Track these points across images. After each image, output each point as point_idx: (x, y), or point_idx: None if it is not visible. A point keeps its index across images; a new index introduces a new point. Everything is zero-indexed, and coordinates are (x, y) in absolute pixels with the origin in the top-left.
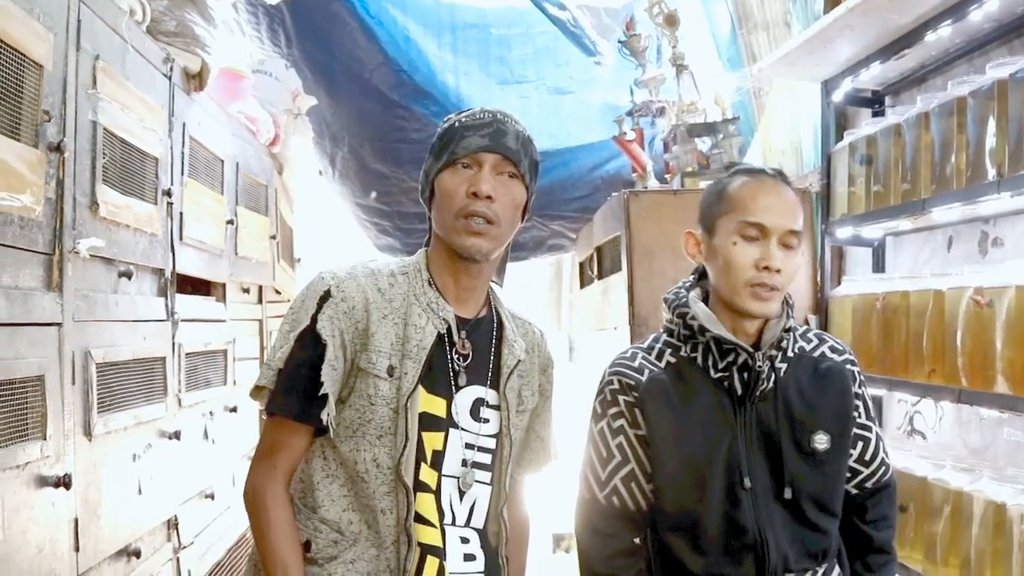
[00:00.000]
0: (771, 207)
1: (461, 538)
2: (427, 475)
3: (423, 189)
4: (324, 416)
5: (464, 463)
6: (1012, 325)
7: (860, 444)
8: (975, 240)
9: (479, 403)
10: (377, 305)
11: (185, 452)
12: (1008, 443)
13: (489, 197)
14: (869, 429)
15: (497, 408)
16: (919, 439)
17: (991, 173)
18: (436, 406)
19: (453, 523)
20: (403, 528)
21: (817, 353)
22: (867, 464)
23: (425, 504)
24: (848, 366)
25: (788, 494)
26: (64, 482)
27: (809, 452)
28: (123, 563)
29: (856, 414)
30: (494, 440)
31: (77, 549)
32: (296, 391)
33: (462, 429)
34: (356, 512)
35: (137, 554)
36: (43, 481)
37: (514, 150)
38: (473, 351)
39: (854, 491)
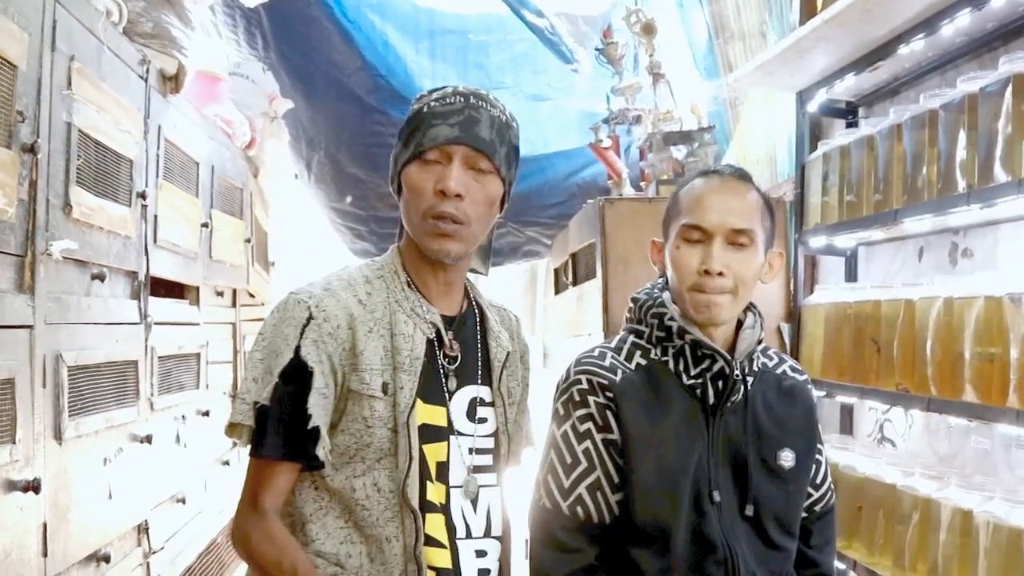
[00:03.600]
0: (713, 207)
1: (477, 551)
2: (434, 493)
3: (392, 178)
4: (320, 451)
5: (468, 469)
6: (980, 335)
7: (814, 467)
8: (945, 251)
9: (475, 403)
10: (362, 320)
11: (157, 456)
12: (976, 451)
13: (459, 196)
14: (821, 452)
15: (492, 404)
16: (889, 447)
17: (961, 185)
18: (435, 415)
19: (468, 536)
20: (412, 556)
21: (779, 371)
22: (818, 488)
23: (434, 525)
24: (808, 386)
25: (749, 511)
26: (33, 486)
27: (774, 469)
28: (92, 568)
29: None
30: (492, 439)
31: (45, 554)
32: (283, 429)
33: (462, 434)
34: (356, 544)
35: (107, 559)
36: (11, 485)
37: (487, 141)
38: (461, 351)
39: (804, 514)
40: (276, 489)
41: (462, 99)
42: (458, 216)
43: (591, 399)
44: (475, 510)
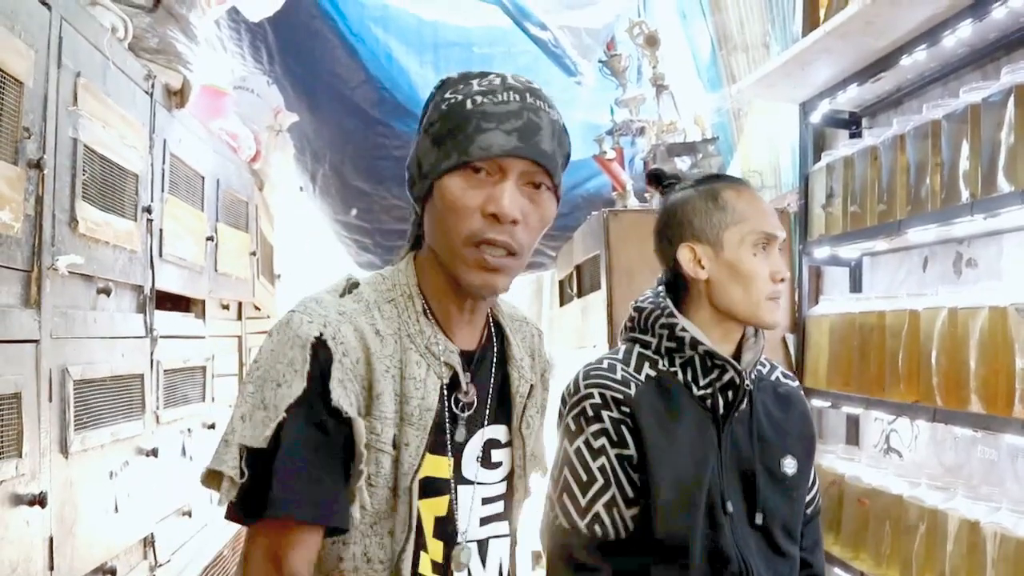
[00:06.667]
0: (772, 215)
1: None
2: (427, 561)
3: (413, 180)
4: (358, 514)
5: (482, 521)
6: (985, 345)
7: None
8: (950, 261)
9: (489, 445)
10: (378, 356)
11: (163, 469)
12: (982, 461)
13: (514, 221)
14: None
15: (508, 445)
16: (895, 457)
17: (965, 195)
18: (439, 467)
19: None
20: None
21: (773, 377)
22: (809, 490)
23: None
24: (800, 392)
25: (759, 520)
26: (39, 500)
27: (779, 477)
28: None
29: None
30: (504, 484)
31: (52, 568)
32: (310, 483)
33: (475, 483)
34: None
35: (113, 572)
36: (18, 499)
37: (549, 154)
38: (477, 392)
39: None
40: (310, 557)
41: (517, 97)
42: (512, 246)
43: (605, 414)
44: (485, 566)
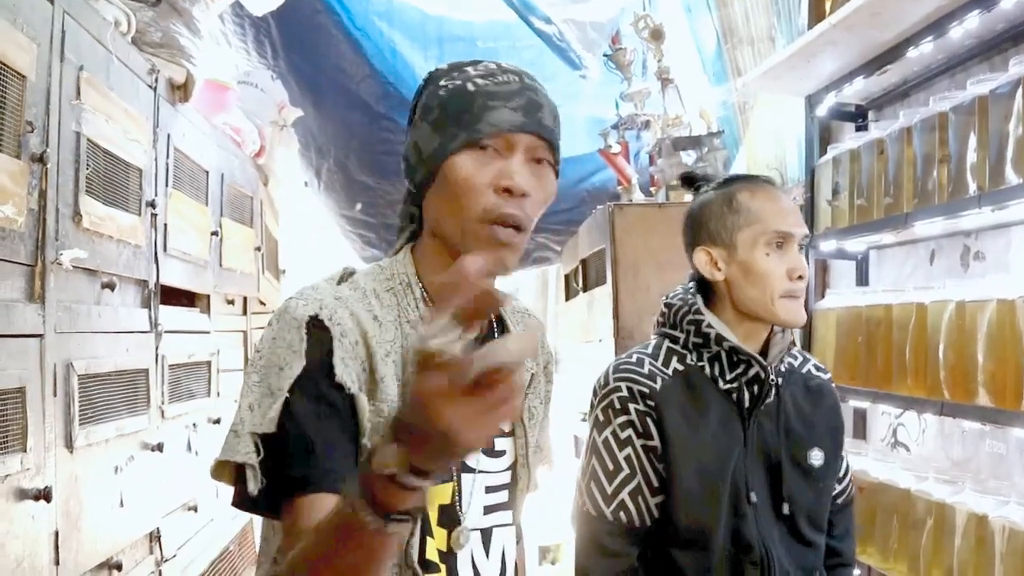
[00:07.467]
0: (789, 213)
1: None
2: (434, 547)
3: (413, 168)
4: None
5: (486, 510)
6: (993, 338)
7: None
8: (957, 254)
9: None
10: (378, 340)
11: (168, 464)
12: (990, 455)
13: (524, 195)
14: (844, 448)
15: (511, 434)
16: (903, 451)
17: (972, 188)
18: None
19: None
20: None
21: (804, 370)
22: (840, 481)
23: None
24: (832, 384)
25: (786, 510)
26: (44, 495)
27: (805, 468)
28: None
29: None
30: (508, 473)
31: (57, 563)
32: (323, 456)
33: (478, 471)
34: None
35: (119, 567)
36: (23, 494)
37: (551, 129)
38: None
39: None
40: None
41: (516, 78)
42: (522, 220)
43: (631, 406)
44: (487, 555)
